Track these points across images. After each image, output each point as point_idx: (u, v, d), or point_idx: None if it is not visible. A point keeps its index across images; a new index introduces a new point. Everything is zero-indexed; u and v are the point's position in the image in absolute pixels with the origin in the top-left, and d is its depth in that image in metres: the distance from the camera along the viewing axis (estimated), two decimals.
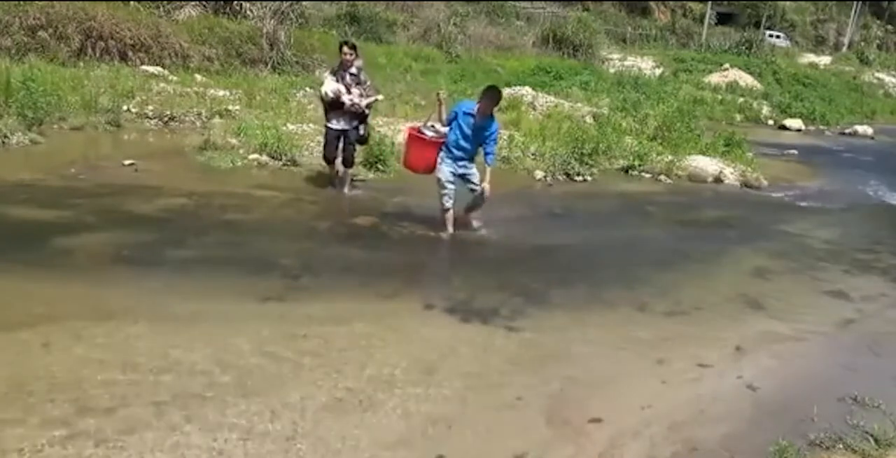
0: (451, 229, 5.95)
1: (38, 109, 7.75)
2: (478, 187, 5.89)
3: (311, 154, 8.16)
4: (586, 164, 9.27)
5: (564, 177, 8.92)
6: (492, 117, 5.82)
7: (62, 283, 4.25)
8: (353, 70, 6.50)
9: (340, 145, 6.68)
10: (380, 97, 6.80)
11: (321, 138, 8.69)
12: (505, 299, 4.75)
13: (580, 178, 8.94)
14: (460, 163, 5.87)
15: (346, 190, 6.93)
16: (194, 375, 3.32)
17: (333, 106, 6.47)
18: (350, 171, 6.97)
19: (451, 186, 5.85)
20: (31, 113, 7.65)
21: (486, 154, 5.84)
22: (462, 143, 5.80)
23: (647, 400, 3.60)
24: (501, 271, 5.38)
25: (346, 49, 6.49)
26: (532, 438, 3.14)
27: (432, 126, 6.04)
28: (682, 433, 3.30)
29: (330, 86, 6.37)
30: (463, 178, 5.93)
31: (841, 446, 3.29)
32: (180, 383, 3.23)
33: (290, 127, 8.93)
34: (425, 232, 6.01)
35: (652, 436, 3.25)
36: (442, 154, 5.89)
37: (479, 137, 5.79)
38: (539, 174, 8.82)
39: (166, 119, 9.05)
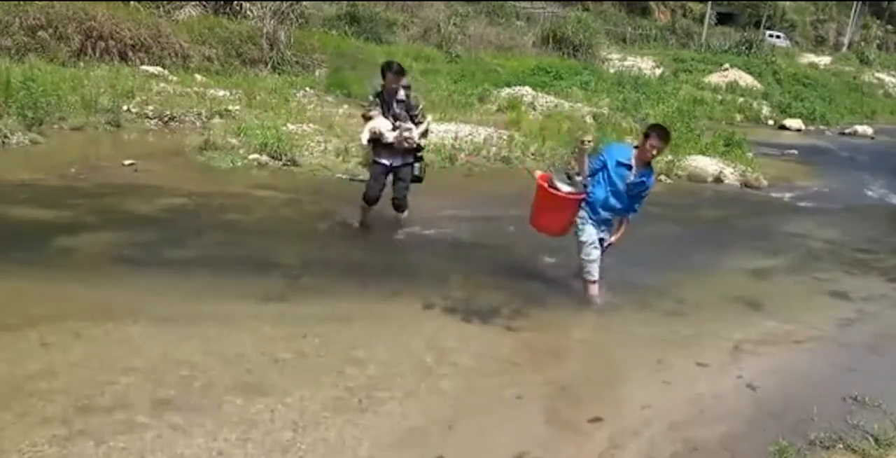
0: (598, 298, 4.78)
1: (38, 109, 7.75)
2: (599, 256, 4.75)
3: (311, 154, 8.17)
4: None
5: (564, 177, 8.90)
6: (650, 167, 4.60)
7: (62, 283, 4.24)
8: (401, 95, 5.33)
9: (387, 185, 5.62)
10: (429, 118, 5.68)
11: (321, 138, 8.84)
12: (505, 299, 4.75)
13: (580, 178, 8.92)
14: (603, 228, 4.70)
15: (401, 236, 5.90)
16: (194, 375, 3.31)
17: (379, 142, 5.37)
18: (404, 216, 5.88)
19: (597, 252, 4.68)
20: (31, 113, 7.65)
21: (632, 210, 4.71)
22: (612, 202, 4.57)
23: (647, 400, 3.60)
24: (501, 271, 5.38)
25: (390, 76, 5.23)
26: (532, 438, 3.14)
27: (568, 175, 4.88)
28: (682, 433, 3.30)
29: (364, 134, 5.37)
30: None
31: (841, 445, 3.29)
32: (180, 383, 3.23)
33: (290, 127, 8.93)
34: (426, 232, 6.01)
35: (652, 436, 3.25)
36: (583, 214, 4.67)
37: (634, 192, 4.57)
38: (539, 174, 8.80)
39: (166, 119, 9.05)
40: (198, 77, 11.64)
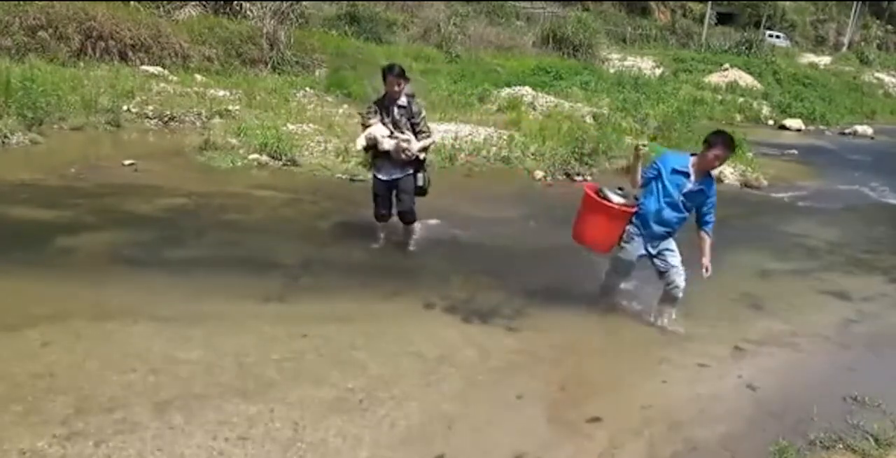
0: (603, 303, 4.69)
1: (38, 109, 7.76)
2: (673, 267, 4.32)
3: (311, 154, 8.18)
4: (586, 164, 9.28)
5: (564, 177, 8.92)
6: (710, 176, 4.24)
7: (62, 283, 4.25)
8: (402, 101, 5.09)
9: (393, 198, 5.39)
10: (433, 138, 5.49)
11: (321, 138, 8.84)
12: (505, 299, 4.75)
13: (580, 178, 8.94)
14: (656, 243, 4.30)
15: (411, 247, 5.67)
16: (194, 375, 3.32)
17: (378, 153, 5.18)
18: (413, 227, 5.64)
19: (629, 274, 4.51)
20: (31, 113, 7.65)
21: (705, 223, 4.30)
22: (667, 214, 4.18)
23: (647, 400, 3.60)
24: (501, 271, 5.38)
25: (390, 78, 4.97)
26: (532, 438, 3.14)
27: (620, 187, 4.43)
28: (682, 433, 3.30)
29: (360, 140, 5.16)
30: (655, 257, 4.35)
31: (841, 445, 3.28)
32: (180, 383, 3.23)
33: (290, 127, 8.94)
34: (426, 232, 6.00)
35: (652, 436, 3.25)
36: (631, 229, 4.29)
37: (693, 204, 4.21)
38: (539, 174, 8.82)
39: (166, 119, 9.05)
40: (198, 77, 11.65)
